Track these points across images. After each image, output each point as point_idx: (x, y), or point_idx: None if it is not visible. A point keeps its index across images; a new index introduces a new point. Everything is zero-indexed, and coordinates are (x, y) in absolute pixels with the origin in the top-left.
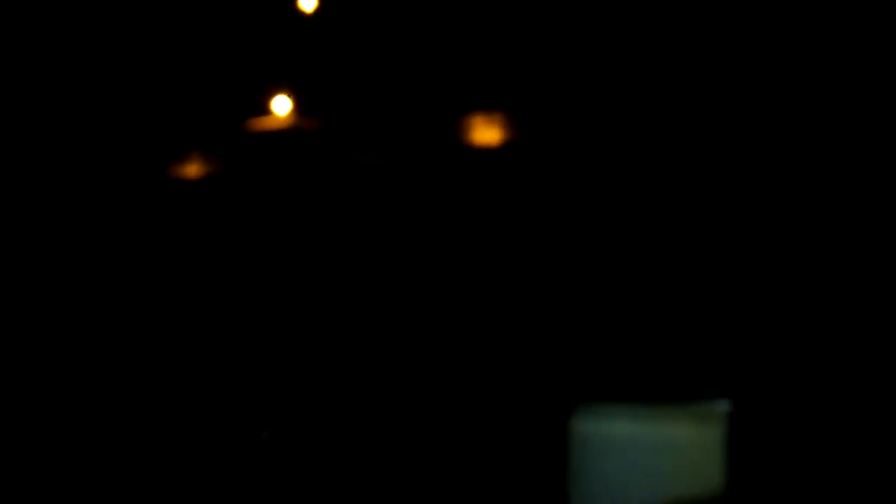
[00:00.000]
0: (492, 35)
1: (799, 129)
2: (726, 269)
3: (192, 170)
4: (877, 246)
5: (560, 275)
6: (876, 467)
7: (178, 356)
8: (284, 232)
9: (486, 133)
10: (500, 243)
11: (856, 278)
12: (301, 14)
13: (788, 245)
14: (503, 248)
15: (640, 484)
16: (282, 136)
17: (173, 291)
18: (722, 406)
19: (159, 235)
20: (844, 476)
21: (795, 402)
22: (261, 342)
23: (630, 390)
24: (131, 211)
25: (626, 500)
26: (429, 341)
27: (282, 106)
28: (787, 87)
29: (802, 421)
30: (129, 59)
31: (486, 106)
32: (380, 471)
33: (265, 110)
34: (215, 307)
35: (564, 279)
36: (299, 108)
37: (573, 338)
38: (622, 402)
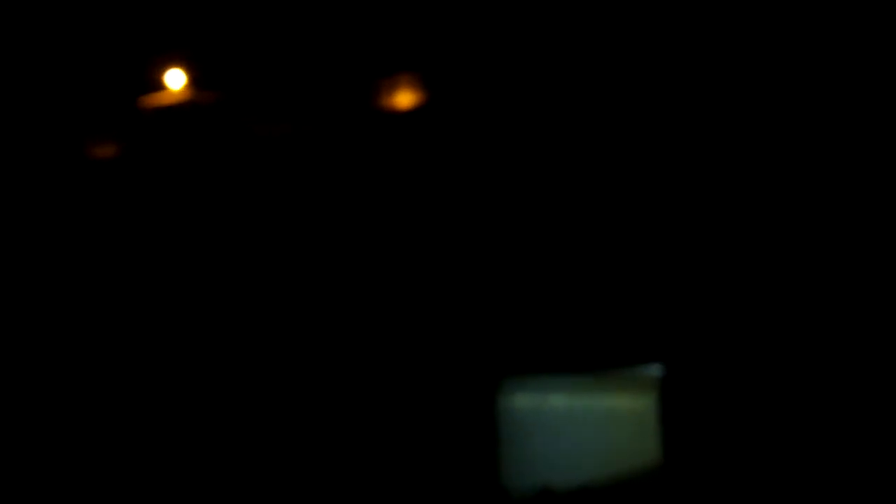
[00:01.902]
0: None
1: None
2: (655, 230)
3: (91, 152)
4: (805, 204)
5: (482, 246)
6: (809, 427)
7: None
8: (189, 210)
9: (390, 99)
10: (410, 212)
11: (786, 237)
12: None
13: (721, 205)
14: (415, 217)
15: (571, 456)
16: (178, 111)
17: (82, 272)
18: (655, 371)
19: (66, 217)
20: (780, 438)
21: (729, 365)
22: (163, 323)
23: (560, 360)
24: (36, 194)
25: (558, 473)
26: (352, 316)
27: (176, 80)
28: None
29: (736, 384)
30: (15, 40)
31: (388, 72)
32: (315, 444)
33: (159, 85)
34: (124, 285)
35: (486, 250)
36: (195, 81)
37: (500, 310)
38: (552, 373)
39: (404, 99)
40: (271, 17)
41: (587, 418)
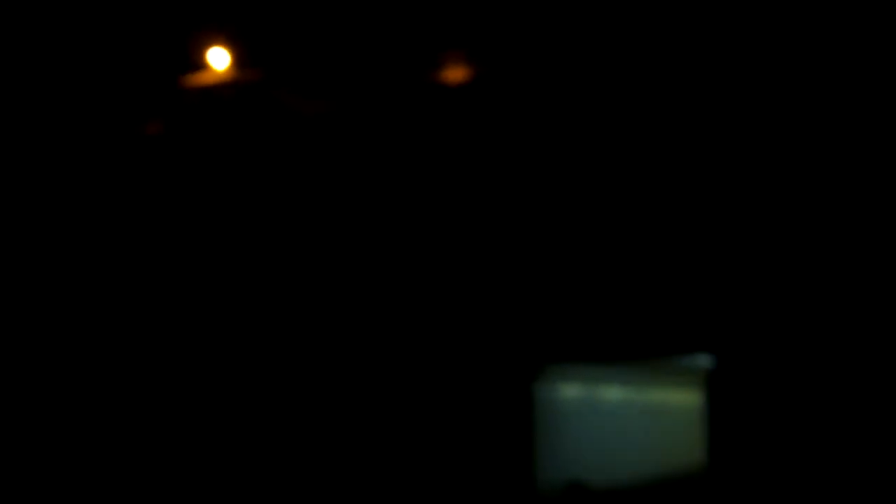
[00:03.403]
0: None
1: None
2: (708, 216)
3: (137, 130)
4: (856, 206)
5: (528, 228)
6: (862, 424)
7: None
8: (236, 190)
9: (447, 75)
10: (450, 197)
11: (839, 238)
12: None
13: (774, 195)
14: (456, 195)
15: (615, 451)
16: (222, 90)
17: (129, 250)
18: (704, 362)
19: (111, 196)
20: (830, 438)
21: (781, 358)
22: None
23: (608, 348)
24: (80, 174)
25: (597, 468)
26: (386, 306)
27: (220, 59)
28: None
29: (788, 380)
30: (53, 24)
31: (431, 48)
32: (348, 436)
33: (201, 65)
34: (168, 263)
35: (534, 233)
36: (239, 59)
37: (542, 293)
38: (599, 361)
39: (449, 75)
40: None
41: (635, 412)
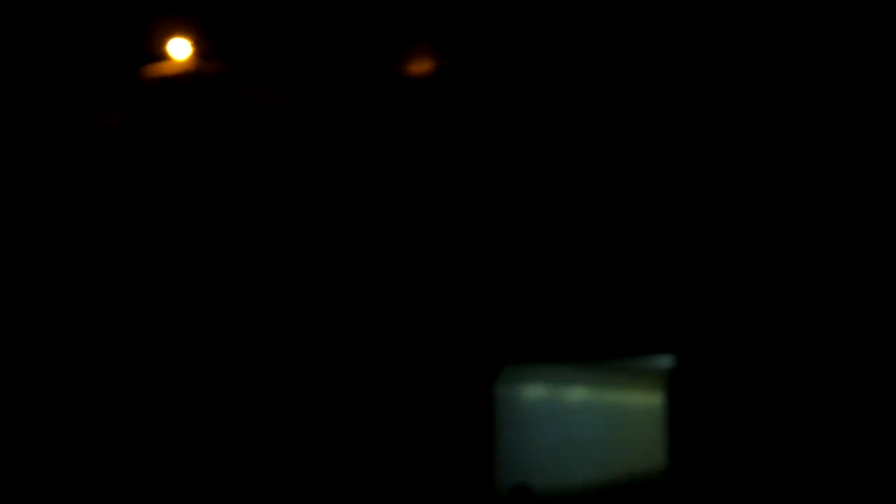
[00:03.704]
0: None
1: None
2: (669, 216)
3: (96, 122)
4: (822, 197)
5: (491, 228)
6: (824, 422)
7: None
8: (192, 181)
9: (410, 67)
10: (412, 192)
11: (807, 231)
12: None
13: (739, 193)
14: (420, 192)
15: (574, 452)
16: (182, 82)
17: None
18: (664, 362)
19: (71, 187)
20: (792, 440)
21: (744, 358)
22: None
23: (565, 348)
24: (41, 165)
25: (555, 469)
26: (352, 296)
27: (180, 49)
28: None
29: (751, 380)
30: (19, 11)
31: (393, 40)
32: (311, 435)
33: (162, 55)
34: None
35: (496, 233)
36: (200, 50)
37: (507, 294)
38: (557, 360)
39: (412, 67)
40: None
41: (596, 413)
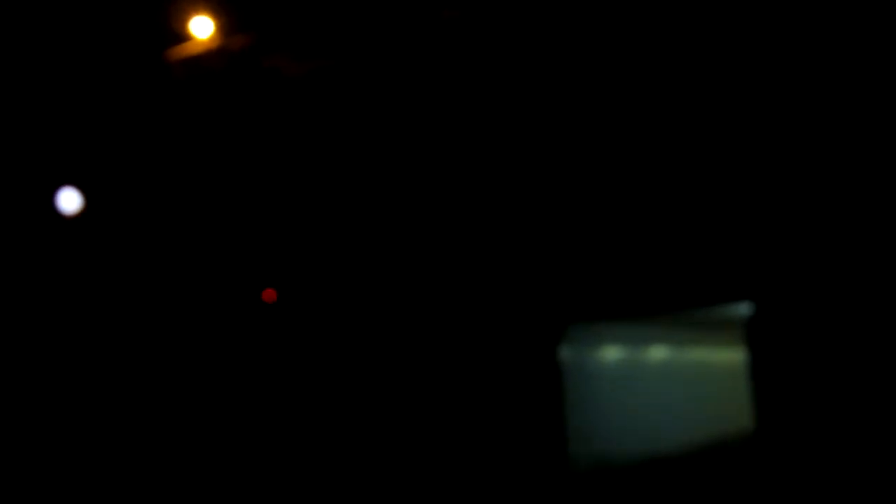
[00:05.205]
0: None
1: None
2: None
3: (126, 109)
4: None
5: (548, 182)
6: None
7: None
8: (230, 165)
9: (421, 31)
10: (460, 154)
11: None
12: None
13: (801, 140)
14: (464, 158)
15: (654, 417)
16: (208, 60)
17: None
18: (742, 310)
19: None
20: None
21: (827, 303)
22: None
23: (635, 302)
24: (67, 150)
25: (640, 437)
26: (405, 274)
27: (203, 27)
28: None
29: (831, 329)
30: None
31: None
32: (372, 405)
33: (185, 35)
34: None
35: (555, 186)
36: (223, 27)
37: (564, 246)
38: (628, 316)
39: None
40: None
41: (677, 374)
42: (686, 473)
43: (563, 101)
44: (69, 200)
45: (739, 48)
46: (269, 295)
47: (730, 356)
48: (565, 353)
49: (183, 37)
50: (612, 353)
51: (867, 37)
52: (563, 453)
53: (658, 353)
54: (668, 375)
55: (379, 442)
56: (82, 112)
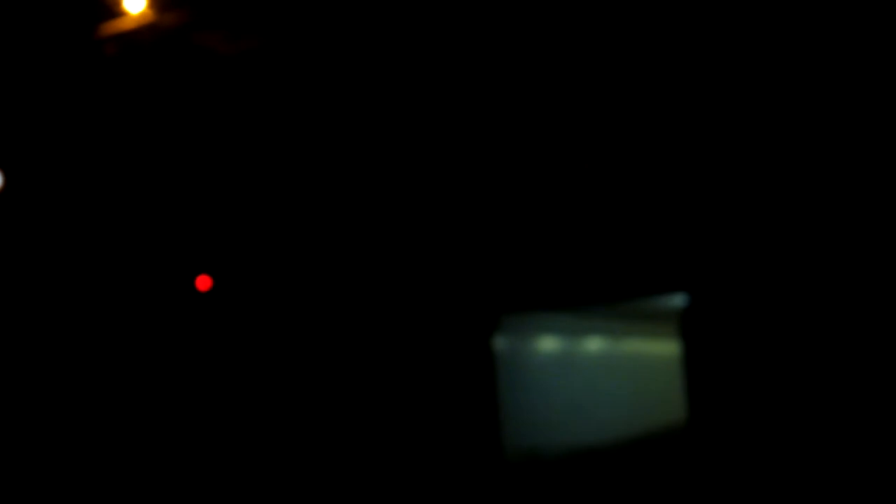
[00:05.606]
0: None
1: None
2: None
3: (52, 85)
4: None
5: (487, 167)
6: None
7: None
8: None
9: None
10: (391, 136)
11: (824, 161)
12: None
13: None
14: (395, 140)
15: (589, 408)
16: (140, 36)
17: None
18: (677, 301)
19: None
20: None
21: (762, 294)
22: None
23: (569, 292)
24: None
25: (574, 428)
26: (337, 262)
27: (135, 2)
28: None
29: (764, 317)
30: None
31: None
32: (303, 395)
33: (117, 11)
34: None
35: (494, 172)
36: (156, 2)
37: (498, 236)
38: (562, 307)
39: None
40: None
41: (612, 365)
42: (620, 464)
43: (497, 92)
44: None
45: (682, 39)
46: (204, 282)
47: (665, 348)
48: (500, 343)
49: (115, 12)
50: (547, 344)
51: (827, 28)
52: (497, 444)
53: (594, 344)
54: (604, 367)
55: (310, 431)
56: (9, 87)
